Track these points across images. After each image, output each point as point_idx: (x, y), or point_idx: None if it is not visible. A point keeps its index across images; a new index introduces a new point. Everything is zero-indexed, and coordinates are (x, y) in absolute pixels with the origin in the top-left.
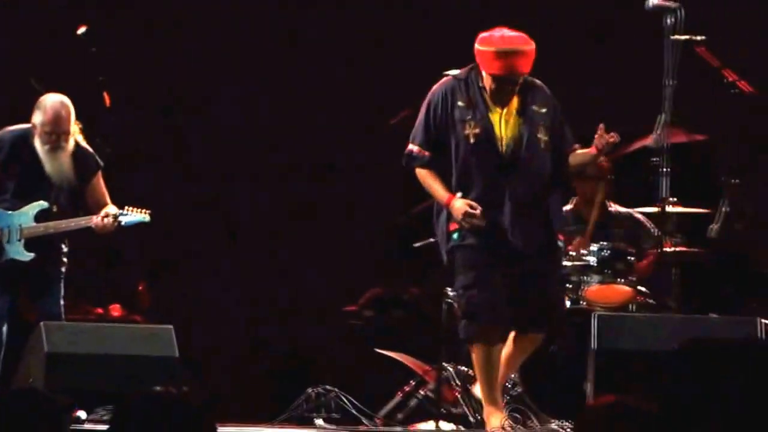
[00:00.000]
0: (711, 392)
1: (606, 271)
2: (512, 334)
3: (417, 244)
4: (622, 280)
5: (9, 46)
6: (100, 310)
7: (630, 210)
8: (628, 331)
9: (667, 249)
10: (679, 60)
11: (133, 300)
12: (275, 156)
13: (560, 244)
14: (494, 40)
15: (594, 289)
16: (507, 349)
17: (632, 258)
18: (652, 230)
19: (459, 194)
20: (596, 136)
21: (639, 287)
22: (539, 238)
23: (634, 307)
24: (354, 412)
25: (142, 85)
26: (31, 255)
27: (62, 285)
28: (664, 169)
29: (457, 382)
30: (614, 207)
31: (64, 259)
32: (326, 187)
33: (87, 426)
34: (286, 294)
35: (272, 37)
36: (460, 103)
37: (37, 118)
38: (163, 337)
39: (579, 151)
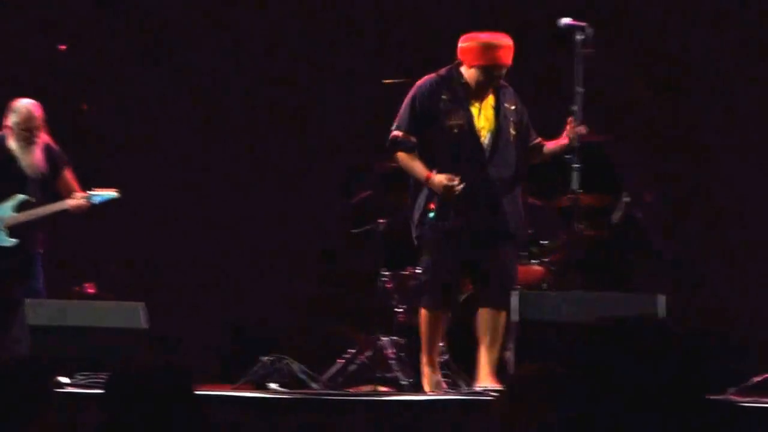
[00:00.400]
0: (617, 363)
1: (522, 253)
2: (482, 312)
3: (355, 231)
4: (536, 261)
5: None
6: (77, 288)
7: (542, 203)
8: (545, 305)
9: (577, 234)
10: (586, 70)
11: (105, 279)
12: (232, 145)
13: (521, 234)
14: (480, 36)
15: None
16: (484, 324)
17: (545, 242)
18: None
19: (435, 171)
20: (567, 128)
21: (551, 267)
22: (511, 221)
23: (546, 285)
24: (302, 377)
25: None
26: (15, 241)
27: (41, 266)
28: (575, 165)
29: (391, 350)
30: (530, 199)
31: (41, 245)
32: (275, 180)
33: (68, 390)
34: (239, 274)
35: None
36: (444, 97)
37: (12, 118)
38: (135, 311)
39: (550, 143)
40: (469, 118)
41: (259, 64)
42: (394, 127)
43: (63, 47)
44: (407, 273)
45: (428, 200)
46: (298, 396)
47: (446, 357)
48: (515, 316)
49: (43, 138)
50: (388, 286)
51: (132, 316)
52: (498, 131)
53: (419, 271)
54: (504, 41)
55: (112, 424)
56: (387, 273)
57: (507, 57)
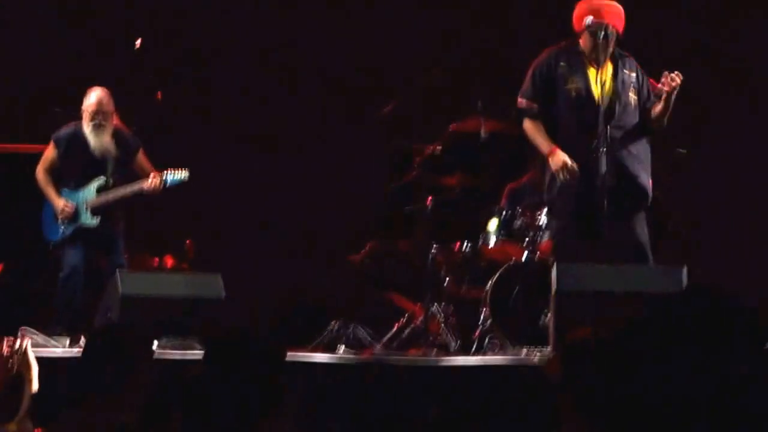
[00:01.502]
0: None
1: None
2: None
3: (407, 209)
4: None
5: (75, 56)
6: (156, 261)
7: None
8: (582, 276)
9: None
10: None
11: (182, 252)
12: (291, 130)
13: (649, 192)
14: (587, 2)
15: (546, 243)
16: None
17: None
18: None
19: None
20: (662, 81)
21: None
22: (633, 184)
23: None
24: (369, 340)
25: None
26: (97, 220)
27: (122, 241)
28: (601, 149)
29: (440, 317)
30: None
31: (121, 222)
32: (333, 163)
33: (157, 353)
34: (304, 247)
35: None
36: (562, 64)
37: (85, 103)
38: (213, 282)
39: (657, 105)
40: (587, 82)
41: (322, 62)
42: (519, 96)
43: (139, 42)
44: (455, 247)
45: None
46: (366, 362)
47: (489, 322)
48: (554, 286)
49: (115, 123)
50: (439, 258)
51: (211, 286)
52: (616, 97)
53: (545, 236)
54: (609, 3)
55: (209, 387)
56: (436, 246)
57: (611, 17)
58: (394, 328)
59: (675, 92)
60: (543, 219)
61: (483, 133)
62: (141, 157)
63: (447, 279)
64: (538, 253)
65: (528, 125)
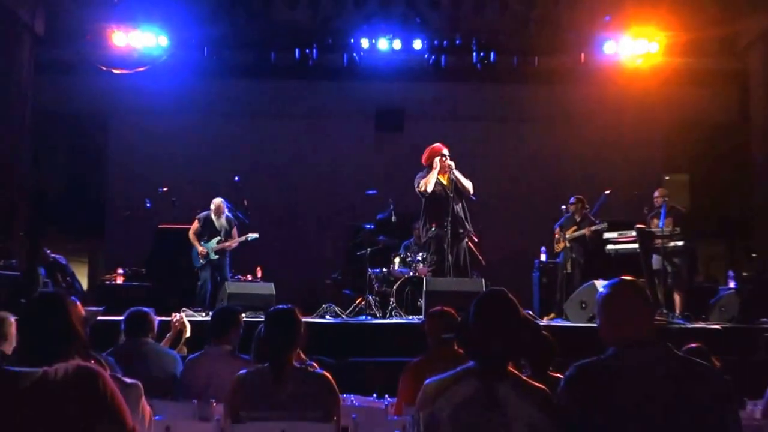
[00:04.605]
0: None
1: (427, 259)
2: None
3: (358, 253)
4: (427, 265)
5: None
6: (242, 277)
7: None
8: (437, 284)
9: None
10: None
11: (254, 272)
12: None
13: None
14: (430, 148)
15: (421, 268)
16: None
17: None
18: None
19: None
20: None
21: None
22: (465, 229)
23: (431, 274)
24: (339, 313)
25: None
26: (217, 256)
27: (228, 267)
28: (452, 213)
29: (374, 302)
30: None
31: (228, 258)
32: (319, 230)
33: (243, 319)
34: (310, 271)
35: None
36: (435, 177)
37: (211, 205)
38: (269, 287)
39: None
40: (442, 183)
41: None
42: (421, 184)
43: (237, 178)
44: (380, 271)
45: (432, 222)
46: (339, 321)
47: (394, 304)
48: (425, 288)
49: (225, 213)
50: (372, 276)
51: (268, 289)
52: (453, 187)
53: (425, 258)
54: (439, 145)
55: (263, 335)
56: (371, 271)
57: (443, 148)
58: (351, 307)
59: (452, 171)
60: (419, 257)
61: (393, 219)
62: (235, 229)
63: (376, 285)
64: (418, 272)
65: (425, 180)
